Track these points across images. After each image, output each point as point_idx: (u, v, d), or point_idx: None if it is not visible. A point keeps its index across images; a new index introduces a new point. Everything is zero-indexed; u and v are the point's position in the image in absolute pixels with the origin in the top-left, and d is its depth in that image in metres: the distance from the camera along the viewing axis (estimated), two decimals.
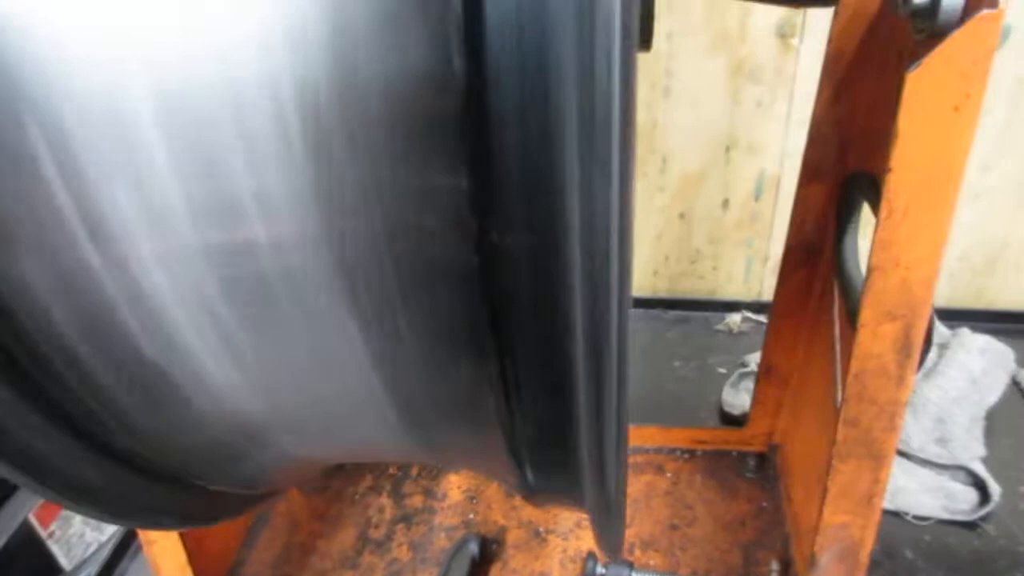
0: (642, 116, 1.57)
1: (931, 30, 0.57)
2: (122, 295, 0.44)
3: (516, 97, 0.38)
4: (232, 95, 0.37)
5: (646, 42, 0.65)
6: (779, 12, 1.41)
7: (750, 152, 1.60)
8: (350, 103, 0.38)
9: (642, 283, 1.84)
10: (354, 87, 0.37)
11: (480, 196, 0.41)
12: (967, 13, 0.55)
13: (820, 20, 0.88)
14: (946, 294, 1.70)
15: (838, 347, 0.91)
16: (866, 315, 0.65)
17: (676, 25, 1.46)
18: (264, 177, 0.39)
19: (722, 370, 1.61)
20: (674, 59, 1.51)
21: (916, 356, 0.66)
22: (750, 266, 1.78)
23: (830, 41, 0.78)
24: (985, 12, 0.51)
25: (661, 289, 1.85)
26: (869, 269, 0.62)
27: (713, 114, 1.56)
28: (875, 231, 0.62)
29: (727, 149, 1.61)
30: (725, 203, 1.68)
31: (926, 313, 0.64)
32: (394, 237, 0.41)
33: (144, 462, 0.56)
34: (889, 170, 0.58)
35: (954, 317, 1.60)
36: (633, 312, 1.58)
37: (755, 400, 1.19)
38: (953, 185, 0.59)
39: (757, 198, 1.66)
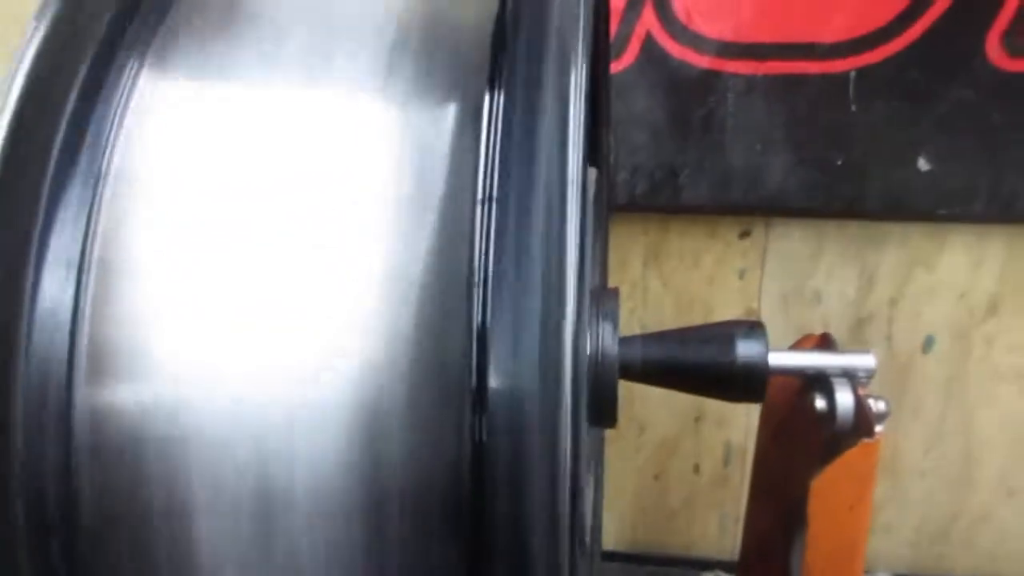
0: (622, 391, 1.75)
1: (831, 433, 0.75)
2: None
3: (505, 492, 0.52)
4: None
5: (613, 423, 0.81)
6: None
7: (718, 424, 1.77)
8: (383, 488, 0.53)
9: (621, 535, 1.94)
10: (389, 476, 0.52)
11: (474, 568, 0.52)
12: (857, 429, 0.72)
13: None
14: (908, 562, 1.80)
15: None
16: None
17: (650, 320, 1.69)
18: None
19: None
20: None
21: None
22: (723, 523, 1.89)
23: (763, 402, 0.96)
24: (866, 441, 0.69)
25: (640, 541, 1.94)
26: None
27: None
28: None
29: (696, 420, 1.78)
30: (696, 468, 1.82)
31: None
32: None
33: None
34: (805, 545, 0.73)
35: None
36: (612, 567, 1.65)
37: None
38: (859, 554, 0.74)
39: (726, 465, 1.81)
